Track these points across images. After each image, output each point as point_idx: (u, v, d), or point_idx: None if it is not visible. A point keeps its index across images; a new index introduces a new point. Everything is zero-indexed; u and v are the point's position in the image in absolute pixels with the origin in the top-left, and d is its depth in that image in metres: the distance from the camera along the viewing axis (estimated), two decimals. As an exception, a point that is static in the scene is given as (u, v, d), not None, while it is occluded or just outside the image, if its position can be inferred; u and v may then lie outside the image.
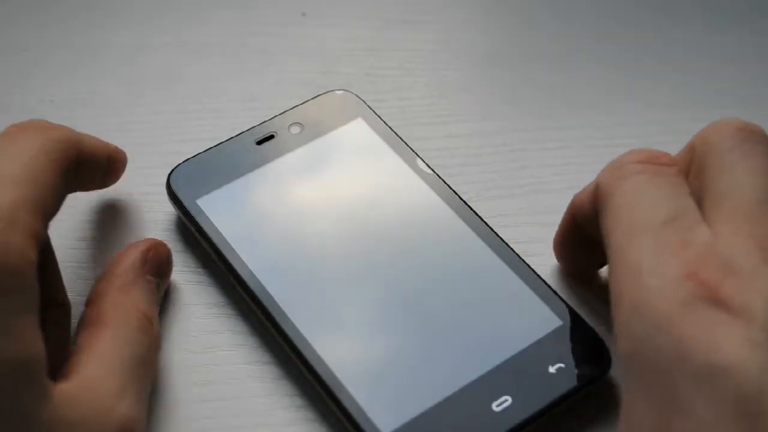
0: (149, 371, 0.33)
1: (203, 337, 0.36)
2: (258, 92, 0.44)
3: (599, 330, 0.35)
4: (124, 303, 0.33)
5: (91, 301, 0.33)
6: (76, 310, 0.35)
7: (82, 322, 0.33)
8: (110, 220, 0.39)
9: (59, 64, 0.45)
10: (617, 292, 0.28)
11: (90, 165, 0.35)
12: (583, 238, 0.35)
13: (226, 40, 0.47)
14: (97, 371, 0.30)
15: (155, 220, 0.40)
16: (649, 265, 0.28)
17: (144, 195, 0.40)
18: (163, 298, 0.37)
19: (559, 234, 0.37)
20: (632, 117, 0.43)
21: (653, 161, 0.31)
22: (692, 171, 0.31)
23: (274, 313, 0.35)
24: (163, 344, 0.36)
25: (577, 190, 0.41)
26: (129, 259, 0.34)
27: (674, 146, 0.42)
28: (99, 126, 0.43)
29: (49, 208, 0.30)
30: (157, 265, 0.35)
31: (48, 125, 0.32)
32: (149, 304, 0.34)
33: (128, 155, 0.40)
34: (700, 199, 0.30)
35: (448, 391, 0.33)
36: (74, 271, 0.38)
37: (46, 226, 0.30)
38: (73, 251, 0.38)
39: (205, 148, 0.40)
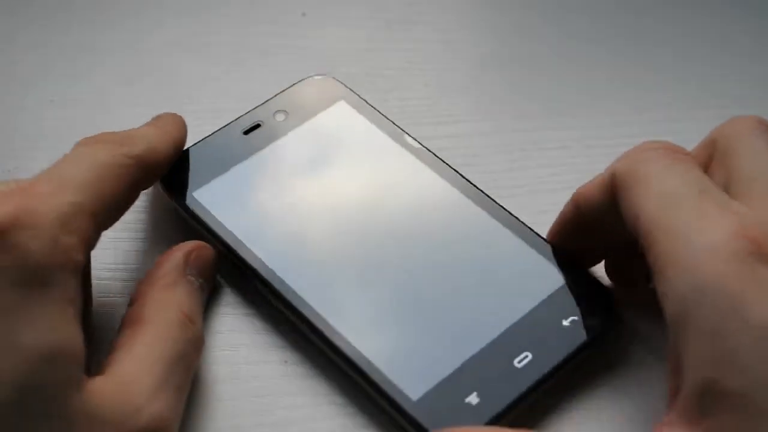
0: (188, 371, 0.33)
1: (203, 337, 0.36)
2: (258, 92, 0.44)
3: (605, 282, 0.36)
4: (165, 302, 0.33)
5: (132, 302, 0.34)
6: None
7: (123, 321, 0.33)
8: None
9: (59, 64, 0.45)
10: (660, 260, 0.29)
11: (159, 169, 0.36)
12: (585, 231, 0.35)
13: (226, 40, 0.47)
14: (133, 368, 0.31)
15: (157, 217, 0.40)
16: (695, 226, 0.28)
17: (144, 193, 0.40)
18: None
19: (557, 225, 0.36)
20: (632, 117, 0.43)
21: (671, 150, 0.31)
22: (715, 162, 0.32)
23: (290, 297, 0.35)
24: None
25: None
26: (171, 261, 0.35)
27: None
28: (99, 126, 0.43)
29: (106, 218, 0.32)
30: (200, 266, 0.35)
31: (120, 139, 0.34)
32: (191, 304, 0.34)
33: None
34: (726, 186, 0.30)
35: (470, 353, 0.34)
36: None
37: (98, 235, 0.32)
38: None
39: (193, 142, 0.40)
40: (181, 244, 0.35)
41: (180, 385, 0.32)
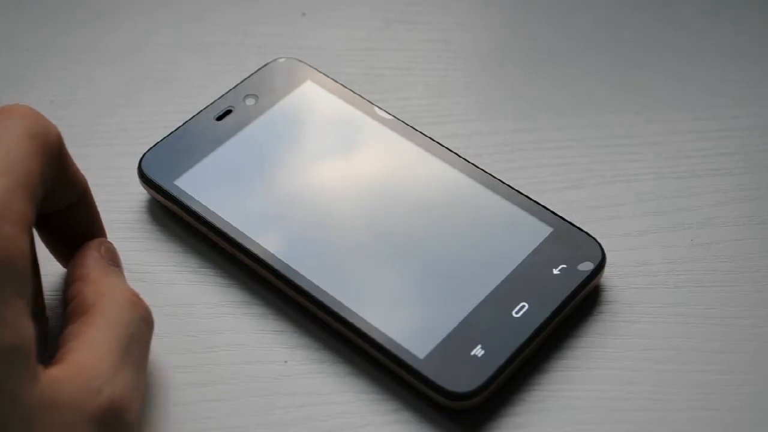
0: (144, 349, 0.33)
1: (203, 337, 0.36)
2: (258, 92, 0.44)
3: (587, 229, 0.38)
4: (106, 289, 0.33)
5: (70, 300, 0.33)
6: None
7: (68, 317, 0.32)
8: (116, 220, 0.40)
9: (59, 64, 0.45)
10: None
11: (66, 173, 0.33)
12: None
13: (226, 39, 0.47)
14: (89, 354, 0.30)
15: (154, 217, 0.40)
16: None
17: (141, 193, 0.40)
18: (161, 297, 0.37)
19: None
20: (632, 117, 0.43)
21: None
22: None
23: (287, 273, 0.36)
24: (162, 344, 0.36)
25: (577, 190, 0.41)
26: (90, 258, 0.34)
27: (675, 146, 0.42)
28: (98, 126, 0.43)
29: (38, 194, 0.30)
30: (112, 256, 0.35)
31: (31, 110, 0.31)
32: (129, 285, 0.34)
33: (127, 155, 0.41)
34: None
35: (468, 309, 0.35)
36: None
37: (35, 213, 0.30)
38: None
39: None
40: (86, 243, 0.35)
41: (138, 365, 0.32)
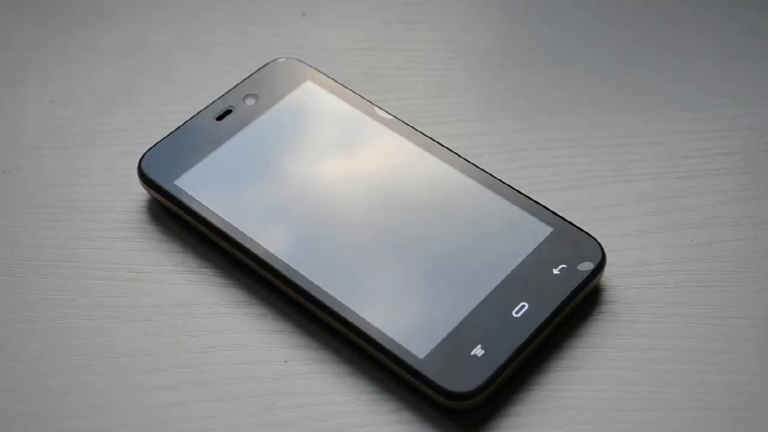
0: None
1: (203, 337, 0.36)
2: (258, 92, 0.44)
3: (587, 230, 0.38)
4: None
5: None
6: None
7: None
8: (116, 220, 0.40)
9: (59, 64, 0.45)
10: None
11: None
12: None
13: (226, 39, 0.47)
14: None
15: (155, 217, 0.40)
16: None
17: (141, 193, 0.40)
18: (161, 297, 0.37)
19: None
20: (632, 117, 0.43)
21: None
22: None
23: (287, 273, 0.36)
24: (162, 344, 0.36)
25: (577, 190, 0.41)
26: None
27: (675, 146, 0.42)
28: (98, 126, 0.43)
29: None
30: None
31: None
32: None
33: (127, 155, 0.41)
34: None
35: (468, 309, 0.35)
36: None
37: None
38: (81, 251, 0.39)
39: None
40: None
41: None
